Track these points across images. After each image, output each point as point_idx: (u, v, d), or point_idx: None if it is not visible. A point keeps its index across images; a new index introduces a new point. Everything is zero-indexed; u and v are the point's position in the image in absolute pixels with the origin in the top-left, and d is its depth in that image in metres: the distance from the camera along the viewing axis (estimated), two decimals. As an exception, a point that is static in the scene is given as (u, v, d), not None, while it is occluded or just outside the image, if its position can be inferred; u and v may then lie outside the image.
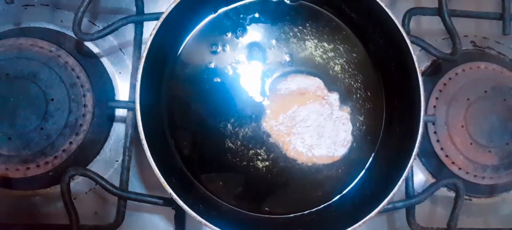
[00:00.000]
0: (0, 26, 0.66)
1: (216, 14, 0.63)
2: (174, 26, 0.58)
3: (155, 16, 0.60)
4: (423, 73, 0.71)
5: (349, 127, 0.63)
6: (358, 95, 0.64)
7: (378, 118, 0.64)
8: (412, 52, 0.56)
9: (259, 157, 0.62)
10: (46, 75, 0.61)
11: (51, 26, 0.67)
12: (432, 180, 0.69)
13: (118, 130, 0.66)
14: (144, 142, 0.52)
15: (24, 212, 0.63)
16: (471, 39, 0.74)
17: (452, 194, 0.63)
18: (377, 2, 0.57)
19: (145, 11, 0.63)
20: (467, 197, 0.69)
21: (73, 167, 0.58)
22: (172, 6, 0.54)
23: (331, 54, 0.64)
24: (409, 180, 0.63)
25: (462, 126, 0.68)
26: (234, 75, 0.63)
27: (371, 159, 0.63)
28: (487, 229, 0.67)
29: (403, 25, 0.64)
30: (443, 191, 0.68)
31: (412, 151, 0.55)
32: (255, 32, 0.64)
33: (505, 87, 0.69)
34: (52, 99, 0.61)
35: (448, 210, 0.62)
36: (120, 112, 0.66)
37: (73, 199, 0.58)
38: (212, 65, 0.63)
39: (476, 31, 0.74)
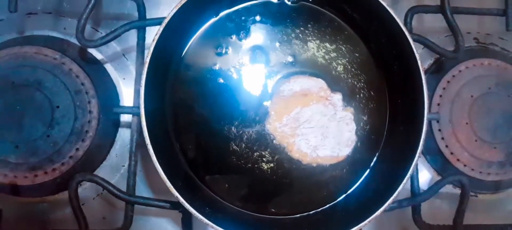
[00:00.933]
0: (4, 35, 0.66)
1: (218, 17, 0.63)
2: (176, 30, 0.58)
3: (157, 21, 0.60)
4: (426, 71, 0.70)
5: (353, 126, 0.63)
6: (361, 95, 0.64)
7: (382, 117, 0.64)
8: (414, 50, 0.55)
9: (264, 159, 0.62)
10: (51, 83, 0.62)
11: (54, 34, 0.67)
12: (437, 178, 0.69)
13: (124, 135, 0.67)
14: (149, 146, 0.52)
15: (32, 219, 0.63)
16: (474, 36, 0.74)
17: (458, 191, 0.63)
18: (379, 2, 0.56)
19: (147, 17, 0.64)
20: (472, 194, 0.69)
21: (80, 173, 0.58)
22: (174, 10, 0.55)
23: (333, 54, 0.64)
24: (414, 178, 0.63)
25: (467, 123, 0.68)
26: (237, 78, 0.63)
27: (375, 158, 0.63)
28: (493, 225, 0.67)
29: (405, 24, 0.64)
30: (448, 188, 0.68)
31: (417, 149, 0.54)
32: (257, 34, 0.64)
33: (509, 83, 0.69)
34: (58, 107, 0.61)
35: (454, 207, 0.62)
36: (125, 117, 0.67)
37: (81, 205, 0.58)
38: (216, 67, 0.63)
39: (479, 28, 0.74)
